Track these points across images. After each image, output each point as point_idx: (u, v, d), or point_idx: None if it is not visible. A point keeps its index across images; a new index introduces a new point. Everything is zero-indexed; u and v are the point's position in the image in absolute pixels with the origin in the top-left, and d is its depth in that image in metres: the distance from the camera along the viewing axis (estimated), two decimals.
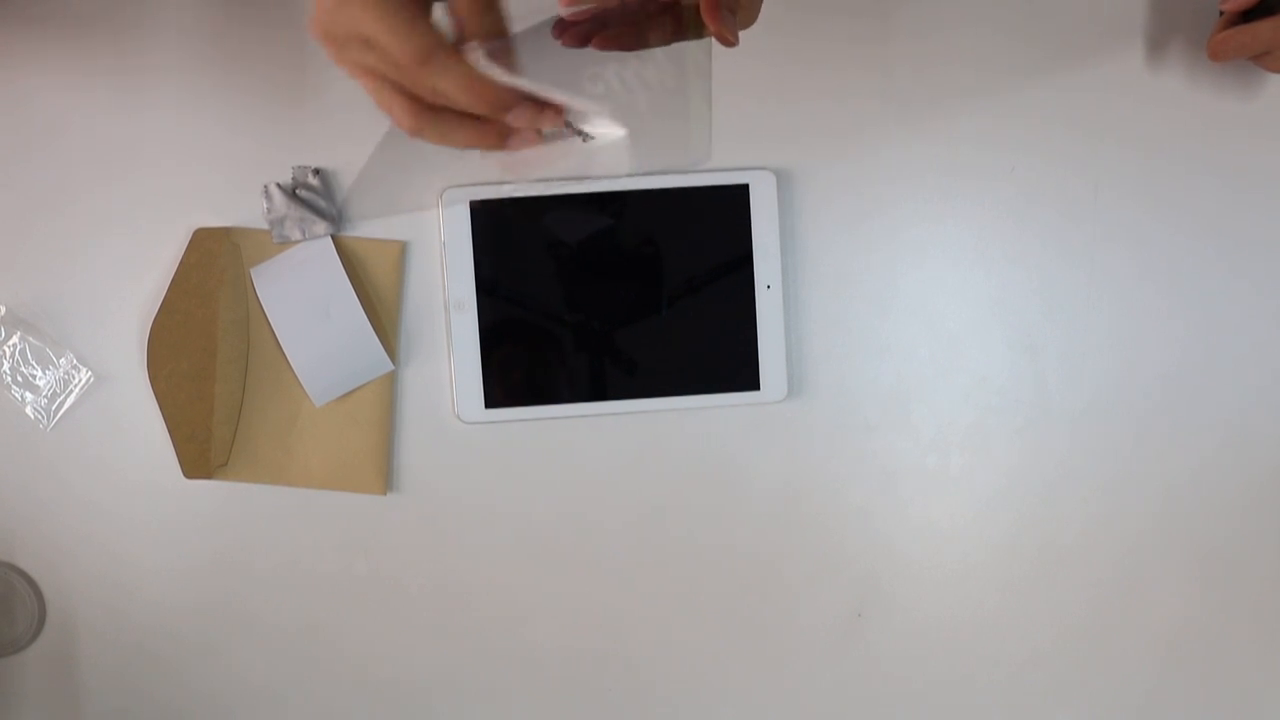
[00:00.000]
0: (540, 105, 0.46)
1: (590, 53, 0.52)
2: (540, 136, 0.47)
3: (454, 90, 0.44)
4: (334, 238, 0.65)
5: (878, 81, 0.66)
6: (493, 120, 0.46)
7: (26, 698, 0.68)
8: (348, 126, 0.65)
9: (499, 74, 0.45)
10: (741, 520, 0.68)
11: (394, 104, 0.45)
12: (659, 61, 0.52)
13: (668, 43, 0.52)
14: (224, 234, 0.65)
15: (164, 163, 0.65)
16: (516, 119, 0.46)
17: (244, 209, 0.65)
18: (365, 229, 0.66)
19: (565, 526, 0.68)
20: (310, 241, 0.65)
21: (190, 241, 0.65)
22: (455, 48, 0.44)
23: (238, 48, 0.65)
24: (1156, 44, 0.67)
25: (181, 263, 0.65)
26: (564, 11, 0.50)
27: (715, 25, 0.49)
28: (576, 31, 0.51)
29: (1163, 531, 0.69)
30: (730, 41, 0.50)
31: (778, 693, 0.70)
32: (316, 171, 0.65)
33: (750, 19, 0.52)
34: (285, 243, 0.65)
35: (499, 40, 0.45)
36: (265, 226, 0.65)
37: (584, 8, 0.51)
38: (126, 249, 0.65)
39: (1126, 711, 0.71)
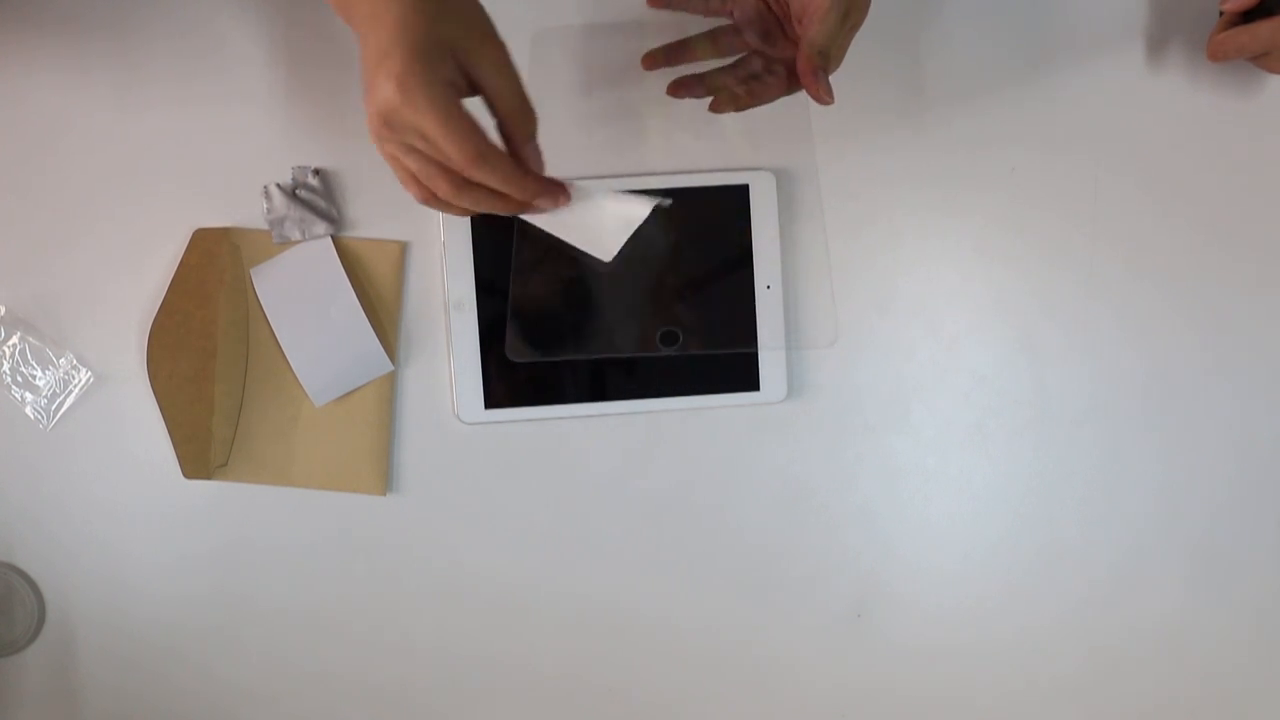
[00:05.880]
0: (557, 190, 0.52)
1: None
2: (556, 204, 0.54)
3: (498, 183, 0.49)
4: (334, 238, 0.65)
5: (877, 82, 0.66)
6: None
7: (26, 698, 0.68)
8: (348, 126, 0.65)
9: (535, 166, 0.52)
10: (741, 521, 0.68)
11: (439, 181, 0.50)
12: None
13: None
14: (224, 234, 0.65)
15: (164, 163, 0.65)
16: (543, 203, 0.52)
17: (244, 209, 0.65)
18: (365, 229, 0.66)
19: (565, 526, 0.68)
20: (310, 241, 0.65)
21: (190, 241, 0.65)
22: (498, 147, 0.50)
23: (238, 48, 0.65)
24: (1156, 44, 0.67)
25: (181, 263, 0.65)
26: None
27: (813, 89, 0.55)
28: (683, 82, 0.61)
29: (1162, 532, 0.69)
30: (827, 101, 0.55)
31: (778, 692, 0.70)
32: (316, 171, 0.65)
33: (838, 65, 0.56)
34: (285, 243, 0.65)
35: (534, 140, 0.52)
36: (265, 226, 0.65)
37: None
38: (126, 249, 0.65)
39: (1126, 711, 0.71)
